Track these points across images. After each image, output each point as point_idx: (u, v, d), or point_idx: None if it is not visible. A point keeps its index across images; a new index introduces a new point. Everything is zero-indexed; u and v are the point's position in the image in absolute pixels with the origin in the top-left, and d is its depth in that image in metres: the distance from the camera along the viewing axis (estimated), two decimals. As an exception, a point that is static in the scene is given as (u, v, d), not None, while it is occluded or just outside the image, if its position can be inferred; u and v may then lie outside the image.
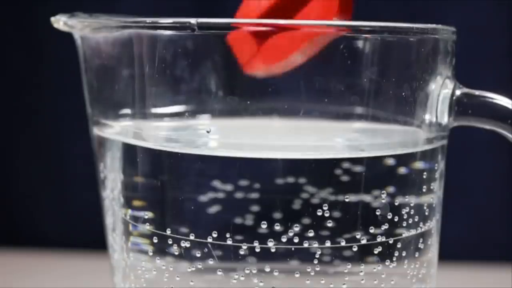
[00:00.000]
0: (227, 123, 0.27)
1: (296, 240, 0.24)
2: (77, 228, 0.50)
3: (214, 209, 0.24)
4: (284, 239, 0.24)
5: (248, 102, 0.25)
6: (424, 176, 0.25)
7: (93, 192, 0.31)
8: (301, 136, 0.27)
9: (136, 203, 0.26)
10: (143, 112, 0.25)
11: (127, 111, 0.26)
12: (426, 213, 0.26)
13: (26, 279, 0.45)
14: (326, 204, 0.24)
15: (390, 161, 0.25)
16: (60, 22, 0.27)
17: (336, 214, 0.24)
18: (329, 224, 0.24)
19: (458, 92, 0.25)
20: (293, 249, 0.24)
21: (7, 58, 0.50)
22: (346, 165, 0.24)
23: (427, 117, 0.25)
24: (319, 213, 0.24)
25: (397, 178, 0.25)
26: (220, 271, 0.24)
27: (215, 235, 0.24)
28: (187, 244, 0.24)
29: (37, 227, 0.51)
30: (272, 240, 0.24)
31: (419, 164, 0.25)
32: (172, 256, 0.24)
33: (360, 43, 0.24)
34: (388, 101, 0.25)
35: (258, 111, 0.26)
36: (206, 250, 0.24)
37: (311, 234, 0.24)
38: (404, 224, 0.25)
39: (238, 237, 0.24)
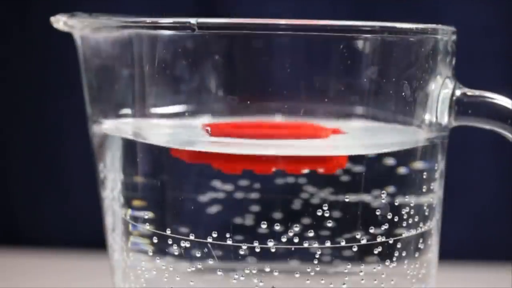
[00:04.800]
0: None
1: (296, 240, 0.24)
2: (77, 228, 0.50)
3: (214, 209, 0.24)
4: (284, 239, 0.24)
5: (248, 102, 0.25)
6: (424, 176, 0.25)
7: (93, 192, 0.31)
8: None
9: (136, 203, 0.26)
10: (143, 112, 0.25)
11: (127, 111, 0.26)
12: (426, 213, 0.26)
13: (26, 279, 0.45)
14: (326, 204, 0.24)
15: (390, 161, 0.25)
16: (60, 22, 0.27)
17: (336, 214, 0.24)
18: (329, 224, 0.24)
19: (458, 92, 0.25)
20: (293, 249, 0.24)
21: (7, 58, 0.50)
22: (346, 165, 0.24)
23: (427, 117, 0.25)
24: (319, 213, 0.24)
25: (397, 178, 0.25)
26: (220, 271, 0.24)
27: (215, 235, 0.24)
28: (187, 244, 0.24)
29: (37, 227, 0.51)
30: (272, 240, 0.24)
31: (419, 164, 0.25)
32: (172, 256, 0.24)
33: (360, 43, 0.24)
34: (388, 101, 0.25)
35: (258, 111, 0.25)
36: (206, 250, 0.24)
37: (311, 234, 0.24)
38: (404, 224, 0.25)
39: (238, 237, 0.24)
